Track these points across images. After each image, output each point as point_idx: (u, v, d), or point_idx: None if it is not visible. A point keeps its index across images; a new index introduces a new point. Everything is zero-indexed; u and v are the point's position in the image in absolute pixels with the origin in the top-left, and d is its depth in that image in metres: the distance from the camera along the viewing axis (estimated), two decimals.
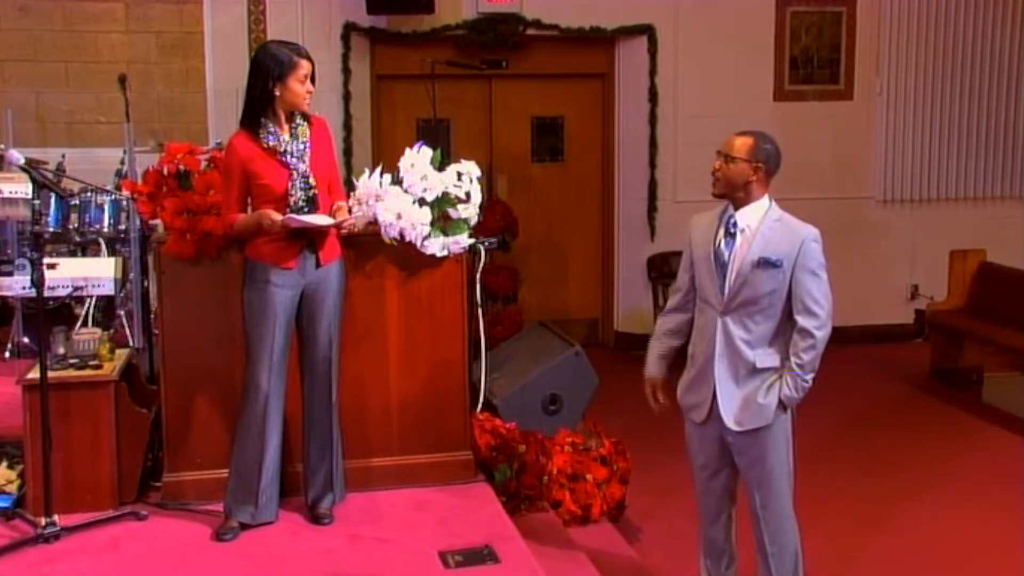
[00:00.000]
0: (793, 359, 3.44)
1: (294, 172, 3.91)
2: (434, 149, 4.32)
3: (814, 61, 8.52)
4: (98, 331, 4.49)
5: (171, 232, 4.18)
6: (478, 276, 4.63)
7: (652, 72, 8.26)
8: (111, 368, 4.28)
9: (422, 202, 4.23)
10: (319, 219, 3.91)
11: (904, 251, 8.83)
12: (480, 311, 4.67)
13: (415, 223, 4.20)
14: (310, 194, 3.94)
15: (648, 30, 8.22)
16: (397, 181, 4.25)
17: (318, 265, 3.99)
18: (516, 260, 8.14)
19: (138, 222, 5.42)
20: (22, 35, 7.62)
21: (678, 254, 8.80)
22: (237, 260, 4.11)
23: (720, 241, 3.52)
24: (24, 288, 4.30)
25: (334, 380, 4.12)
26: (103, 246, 5.81)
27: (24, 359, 5.81)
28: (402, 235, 4.22)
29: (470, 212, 4.34)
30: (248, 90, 3.92)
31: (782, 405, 3.46)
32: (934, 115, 8.70)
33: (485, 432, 4.65)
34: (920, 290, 8.74)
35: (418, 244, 4.26)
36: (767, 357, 3.48)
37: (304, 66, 3.89)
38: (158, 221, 4.39)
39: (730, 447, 3.58)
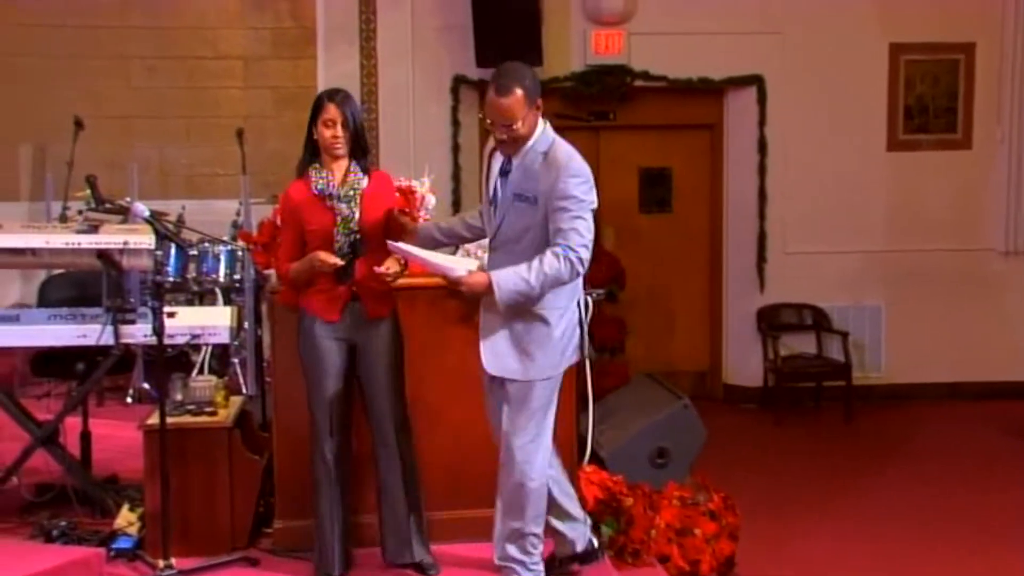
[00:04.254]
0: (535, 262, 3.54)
1: (338, 216, 3.90)
2: None
3: (930, 110, 8.33)
4: (213, 378, 4.60)
5: (284, 282, 4.27)
6: (586, 327, 4.59)
7: (761, 123, 8.18)
8: (226, 415, 4.38)
9: None
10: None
11: None
12: (588, 362, 4.63)
13: None
14: (352, 239, 3.91)
15: (757, 80, 8.15)
16: None
17: (365, 318, 3.95)
18: (623, 311, 8.09)
19: (252, 272, 5.56)
20: (150, 93, 7.95)
21: (789, 306, 8.65)
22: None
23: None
24: (145, 336, 4.43)
25: (401, 438, 4.02)
26: (219, 295, 5.96)
27: (144, 404, 5.98)
28: None
29: None
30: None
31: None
32: None
33: (592, 485, 4.60)
34: None
35: None
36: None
37: (328, 110, 3.87)
38: (272, 271, 4.48)
39: None
